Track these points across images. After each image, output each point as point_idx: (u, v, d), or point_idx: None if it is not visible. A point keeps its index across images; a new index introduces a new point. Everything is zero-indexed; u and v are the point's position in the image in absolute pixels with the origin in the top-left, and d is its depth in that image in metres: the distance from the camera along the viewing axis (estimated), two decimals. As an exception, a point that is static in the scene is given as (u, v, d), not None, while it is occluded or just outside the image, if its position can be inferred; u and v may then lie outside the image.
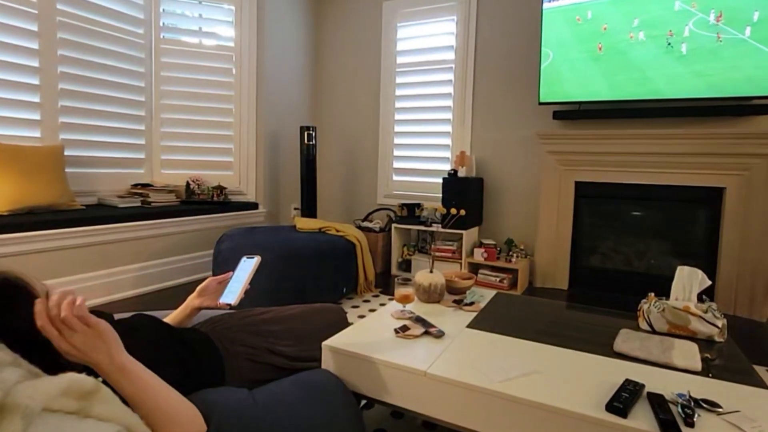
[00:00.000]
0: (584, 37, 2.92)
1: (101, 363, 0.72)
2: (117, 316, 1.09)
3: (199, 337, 1.11)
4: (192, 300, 1.22)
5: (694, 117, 2.78)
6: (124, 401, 0.68)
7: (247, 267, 1.19)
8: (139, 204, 2.98)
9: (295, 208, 3.98)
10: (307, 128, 3.56)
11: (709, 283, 1.43)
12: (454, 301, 1.63)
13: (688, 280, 1.43)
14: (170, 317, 1.22)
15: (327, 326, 1.34)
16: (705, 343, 1.30)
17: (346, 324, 1.44)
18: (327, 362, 1.23)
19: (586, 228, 3.15)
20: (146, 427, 0.68)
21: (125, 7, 3.04)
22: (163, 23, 3.28)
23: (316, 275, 2.54)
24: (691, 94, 2.68)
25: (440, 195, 3.29)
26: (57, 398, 0.57)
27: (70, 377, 0.61)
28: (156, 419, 0.74)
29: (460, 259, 3.22)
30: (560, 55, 2.97)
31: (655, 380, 1.05)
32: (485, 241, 3.27)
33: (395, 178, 3.91)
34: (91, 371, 0.68)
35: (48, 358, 0.73)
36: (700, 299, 1.40)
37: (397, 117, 3.85)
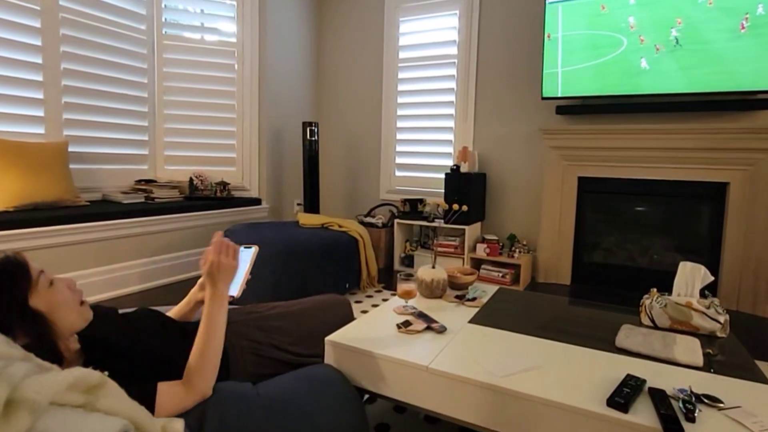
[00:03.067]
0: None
1: (220, 288, 1.00)
2: (121, 311, 1.10)
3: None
4: (195, 294, 1.23)
5: (698, 112, 2.76)
6: (131, 396, 0.69)
7: (245, 257, 1.16)
8: (142, 200, 2.99)
9: (298, 204, 3.99)
10: (310, 124, 3.56)
11: (712, 278, 1.43)
12: (457, 297, 1.63)
13: (690, 276, 1.43)
14: (174, 311, 1.22)
15: (332, 324, 1.34)
16: (707, 339, 1.30)
17: (351, 318, 1.44)
18: (330, 357, 1.24)
19: (588, 223, 3.15)
20: (152, 420, 0.69)
21: (127, 3, 3.03)
22: (165, 19, 3.28)
23: (319, 271, 2.55)
24: (694, 89, 2.67)
25: (443, 190, 3.29)
26: (64, 392, 0.58)
27: (77, 371, 0.62)
28: (209, 353, 0.94)
29: (463, 254, 3.22)
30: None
31: (656, 375, 1.05)
32: (488, 237, 3.28)
33: (398, 173, 3.91)
34: (96, 366, 0.69)
35: (45, 332, 0.78)
36: (702, 295, 1.40)
37: (400, 112, 3.84)
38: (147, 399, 0.78)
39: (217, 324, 0.97)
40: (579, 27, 2.92)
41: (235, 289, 1.11)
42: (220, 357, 0.96)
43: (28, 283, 0.80)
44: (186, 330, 1.07)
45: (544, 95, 3.05)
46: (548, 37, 2.97)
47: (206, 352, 0.93)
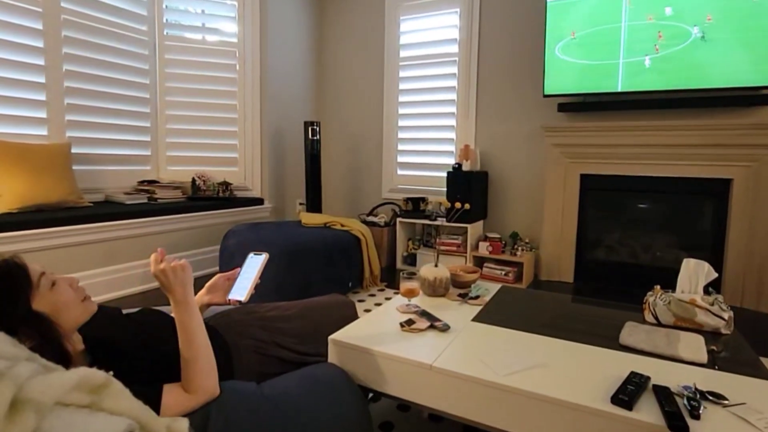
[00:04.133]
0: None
1: (177, 292, 0.94)
2: (125, 311, 1.11)
3: (208, 331, 1.12)
4: (201, 297, 1.23)
5: (701, 108, 2.75)
6: (135, 396, 0.69)
7: (255, 263, 1.19)
8: (145, 200, 3.00)
9: (300, 204, 3.99)
10: (311, 123, 3.56)
11: (716, 275, 1.43)
12: (459, 295, 1.63)
13: (694, 273, 1.43)
14: (178, 313, 1.23)
15: (336, 323, 1.34)
16: (711, 336, 1.29)
17: (355, 318, 1.44)
18: (333, 356, 1.24)
19: (591, 221, 3.14)
20: (157, 419, 0.69)
21: (129, 4, 3.04)
22: (166, 20, 3.28)
23: (322, 270, 2.55)
24: (698, 85, 2.65)
25: (445, 189, 3.29)
26: (69, 392, 0.58)
27: (82, 371, 0.62)
28: (196, 357, 0.91)
29: (465, 252, 3.22)
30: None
31: (660, 373, 1.05)
32: (490, 235, 3.27)
33: (399, 172, 3.91)
34: (101, 366, 0.69)
35: (50, 334, 0.78)
36: (706, 291, 1.40)
37: (401, 111, 3.84)
38: (152, 399, 0.79)
39: (191, 328, 0.94)
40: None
41: (243, 294, 1.12)
42: (212, 355, 0.95)
43: (29, 287, 0.80)
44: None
45: (546, 92, 3.04)
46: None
47: (195, 358, 0.91)
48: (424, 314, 1.40)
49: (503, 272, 3.05)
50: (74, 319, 0.86)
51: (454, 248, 3.27)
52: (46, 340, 0.77)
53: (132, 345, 0.95)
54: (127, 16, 3.04)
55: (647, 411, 0.89)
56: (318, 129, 3.58)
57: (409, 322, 1.35)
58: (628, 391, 0.93)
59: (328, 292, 2.52)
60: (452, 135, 3.62)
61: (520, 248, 3.14)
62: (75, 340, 0.87)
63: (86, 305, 0.89)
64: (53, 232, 2.31)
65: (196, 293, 1.25)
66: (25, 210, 2.37)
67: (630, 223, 3.06)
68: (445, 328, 1.31)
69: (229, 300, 1.15)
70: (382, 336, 1.26)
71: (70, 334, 0.84)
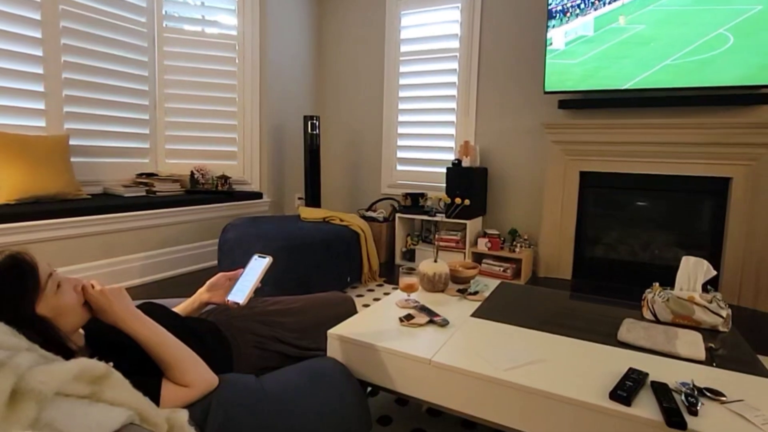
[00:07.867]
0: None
1: (121, 311, 0.89)
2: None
3: (208, 326, 1.13)
4: (201, 294, 1.23)
5: (702, 106, 2.75)
6: (136, 387, 0.69)
7: (258, 266, 1.18)
8: (144, 193, 2.99)
9: (299, 198, 3.99)
10: (311, 118, 3.55)
11: (714, 273, 1.43)
12: (458, 291, 1.63)
13: (693, 271, 1.43)
14: (179, 308, 1.23)
15: (335, 318, 1.34)
16: (709, 333, 1.30)
17: (354, 314, 1.44)
18: (333, 350, 1.24)
19: (590, 218, 3.14)
20: (156, 410, 0.69)
21: (128, -5, 3.02)
22: (165, 11, 3.26)
23: (321, 265, 2.55)
24: (698, 83, 2.65)
25: (444, 185, 3.29)
26: (70, 383, 0.58)
27: (82, 362, 0.62)
28: (175, 358, 0.88)
29: (464, 248, 3.22)
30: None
31: (659, 369, 1.05)
32: (489, 231, 3.27)
33: (399, 167, 3.90)
34: (101, 357, 0.69)
35: (52, 336, 0.77)
36: (704, 289, 1.40)
37: (401, 106, 3.83)
38: (152, 391, 0.78)
39: (155, 336, 0.89)
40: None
41: (242, 296, 1.12)
42: (187, 348, 0.91)
43: (36, 289, 0.80)
44: (190, 327, 1.07)
45: (547, 89, 3.04)
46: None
47: (175, 358, 0.88)
48: (424, 309, 1.41)
49: (502, 268, 3.06)
50: (74, 324, 0.86)
51: (453, 244, 3.27)
52: (47, 341, 0.76)
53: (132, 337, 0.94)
54: (126, 8, 3.01)
55: (645, 407, 0.90)
56: (317, 123, 3.57)
57: (409, 317, 1.35)
58: (627, 387, 0.93)
59: (326, 286, 2.53)
60: (452, 131, 3.61)
61: (518, 245, 3.14)
62: (75, 336, 0.87)
63: (84, 311, 0.88)
64: (51, 224, 2.30)
65: (196, 290, 1.25)
66: (23, 202, 2.36)
67: (629, 220, 3.07)
68: (444, 323, 1.31)
69: (228, 301, 1.14)
70: (381, 330, 1.26)
71: (70, 335, 0.84)
